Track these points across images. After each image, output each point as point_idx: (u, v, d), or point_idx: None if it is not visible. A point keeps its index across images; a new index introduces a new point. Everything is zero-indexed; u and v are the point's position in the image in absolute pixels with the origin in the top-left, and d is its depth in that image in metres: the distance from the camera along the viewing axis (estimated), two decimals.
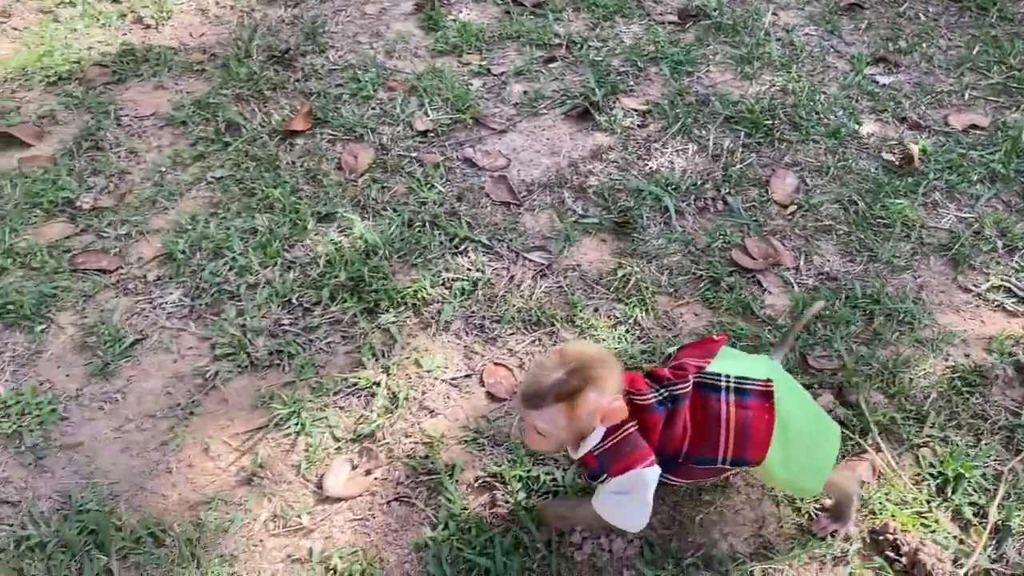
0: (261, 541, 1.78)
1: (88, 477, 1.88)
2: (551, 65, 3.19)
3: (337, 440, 1.96)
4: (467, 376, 2.10)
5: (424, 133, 2.83)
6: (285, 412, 1.99)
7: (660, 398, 1.47)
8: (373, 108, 2.93)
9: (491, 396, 2.06)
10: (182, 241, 2.40)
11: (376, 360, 2.11)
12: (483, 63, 3.18)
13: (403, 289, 2.25)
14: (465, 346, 2.17)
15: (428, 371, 2.10)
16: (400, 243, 2.39)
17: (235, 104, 2.91)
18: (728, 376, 1.47)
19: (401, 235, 2.42)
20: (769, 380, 1.47)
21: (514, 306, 2.24)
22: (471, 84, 3.06)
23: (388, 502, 1.85)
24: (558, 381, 1.38)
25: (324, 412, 2.01)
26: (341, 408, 2.03)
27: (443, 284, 2.30)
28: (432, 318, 2.22)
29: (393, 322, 2.20)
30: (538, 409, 1.40)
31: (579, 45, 3.28)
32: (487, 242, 2.43)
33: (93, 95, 2.97)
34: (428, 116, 2.89)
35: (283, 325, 2.20)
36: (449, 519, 1.79)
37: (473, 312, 2.24)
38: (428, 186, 2.60)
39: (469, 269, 2.34)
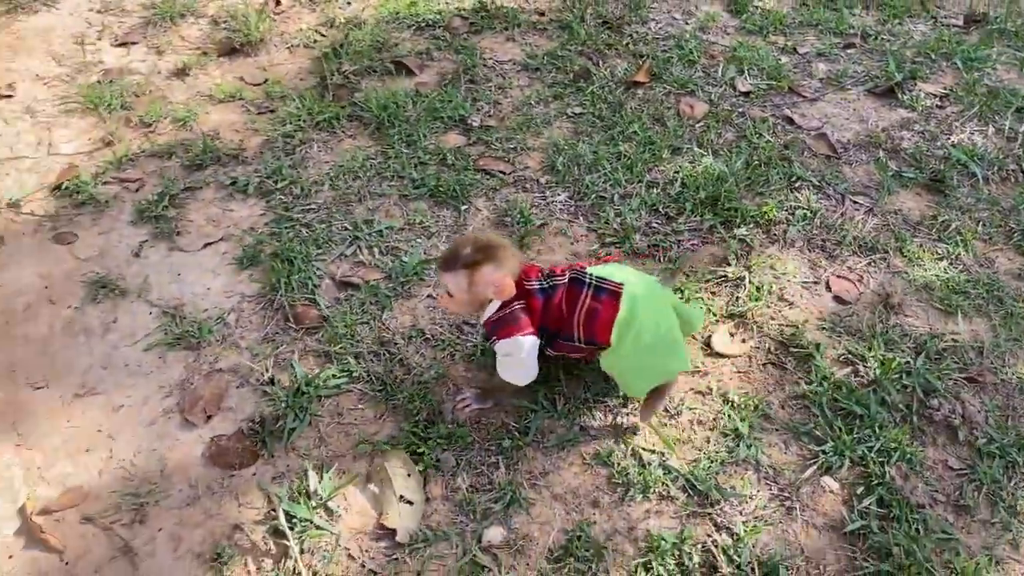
0: None
1: None
2: (849, 51, 3.59)
3: (714, 314, 2.41)
4: (815, 283, 2.53)
5: (746, 94, 3.28)
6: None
7: (542, 286, 1.88)
8: (698, 71, 3.41)
9: (838, 299, 2.47)
10: (561, 157, 2.92)
11: (738, 260, 2.56)
12: (788, 43, 3.61)
13: (753, 210, 2.70)
14: (810, 260, 2.59)
15: (782, 274, 2.53)
16: (743, 176, 2.83)
17: (579, 58, 3.43)
18: (592, 275, 1.88)
19: (743, 170, 2.86)
20: (621, 284, 1.86)
21: (850, 233, 2.65)
22: (780, 59, 3.50)
23: (764, 364, 2.29)
24: (467, 253, 1.82)
25: (699, 293, 2.47)
26: (713, 293, 2.48)
27: (786, 210, 2.73)
28: (779, 236, 2.66)
29: (746, 235, 2.64)
30: (449, 272, 1.83)
31: (873, 37, 3.67)
32: (817, 183, 2.85)
33: (458, 40, 3.56)
34: (748, 80, 3.34)
35: (653, 227, 2.68)
36: (822, 380, 2.21)
37: (813, 235, 2.67)
38: (757, 135, 3.05)
39: (806, 202, 2.76)
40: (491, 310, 1.90)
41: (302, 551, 1.84)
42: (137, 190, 2.80)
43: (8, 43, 3.57)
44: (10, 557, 1.87)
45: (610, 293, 1.87)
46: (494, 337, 1.89)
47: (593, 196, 2.76)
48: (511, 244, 1.95)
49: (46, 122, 3.13)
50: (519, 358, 1.90)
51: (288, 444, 2.06)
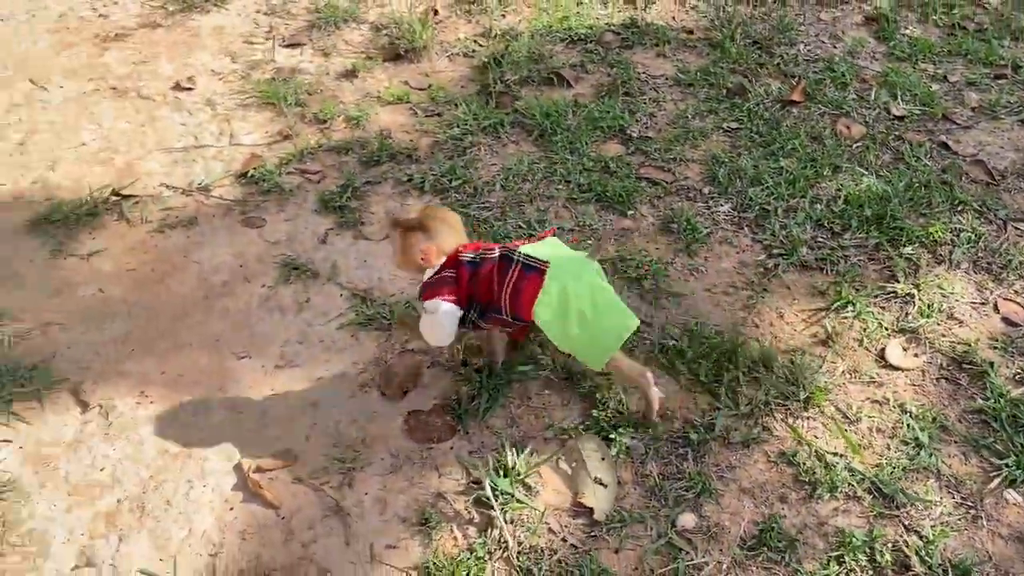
0: (844, 384, 2.31)
1: (696, 317, 2.48)
2: (1000, 81, 3.61)
3: (885, 329, 2.47)
4: (982, 303, 2.56)
5: (900, 118, 3.33)
6: (842, 301, 2.52)
7: (472, 259, 1.98)
8: (851, 94, 3.46)
9: (1007, 321, 2.50)
10: (722, 169, 3.00)
11: (906, 278, 2.61)
12: (938, 71, 3.64)
13: (918, 230, 2.74)
14: (976, 282, 2.63)
15: (950, 293, 2.57)
16: (905, 197, 2.88)
17: (732, 75, 3.52)
18: (521, 253, 1.95)
19: (905, 191, 2.91)
20: (547, 262, 1.92)
21: (1016, 258, 2.68)
22: (931, 87, 3.54)
23: (937, 379, 2.34)
24: (409, 218, 2.01)
25: (870, 308, 2.52)
26: (882, 308, 2.54)
27: (950, 232, 2.77)
28: (945, 256, 2.70)
29: (912, 254, 2.69)
30: (392, 229, 2.02)
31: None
32: (978, 208, 2.89)
33: (611, 54, 3.68)
34: (902, 105, 3.38)
35: (819, 241, 2.74)
36: (999, 396, 2.25)
37: (979, 258, 2.70)
38: (915, 158, 3.10)
39: (970, 225, 2.80)
40: (428, 275, 2.03)
41: (507, 522, 1.94)
42: (319, 181, 2.97)
43: (184, 40, 3.80)
44: (231, 509, 2.02)
45: (536, 271, 1.94)
46: (422, 297, 2.02)
47: (757, 208, 2.84)
48: (459, 226, 2.06)
49: (225, 114, 3.33)
50: (435, 318, 2.00)
51: (482, 422, 2.17)
